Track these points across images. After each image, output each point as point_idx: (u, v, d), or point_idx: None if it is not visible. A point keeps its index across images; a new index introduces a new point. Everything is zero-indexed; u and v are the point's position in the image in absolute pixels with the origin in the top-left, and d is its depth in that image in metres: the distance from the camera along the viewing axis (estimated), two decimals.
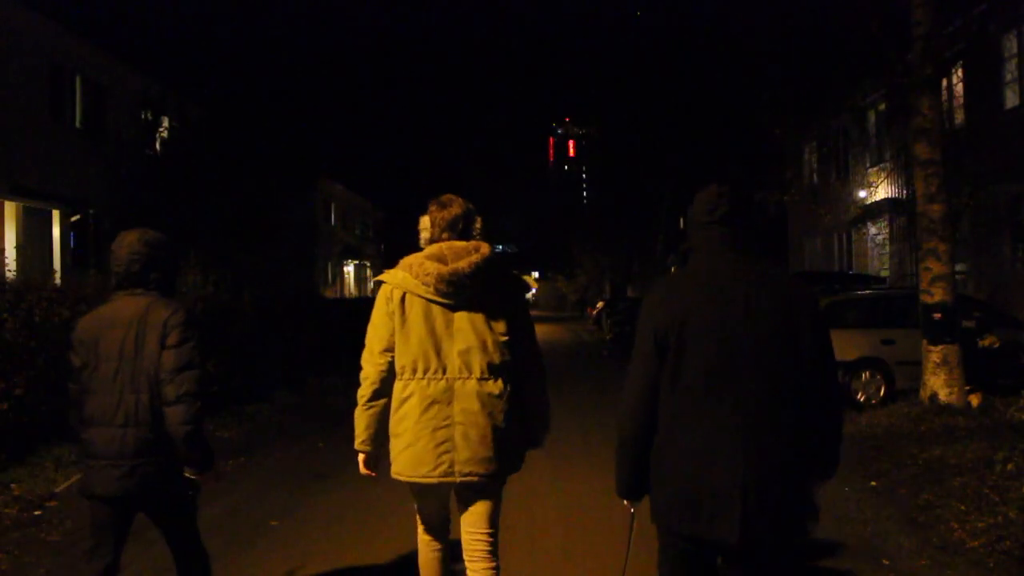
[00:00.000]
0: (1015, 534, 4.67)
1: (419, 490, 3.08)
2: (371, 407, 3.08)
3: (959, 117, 15.71)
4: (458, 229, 3.08)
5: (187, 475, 3.13)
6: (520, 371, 3.07)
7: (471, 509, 3.08)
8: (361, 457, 3.18)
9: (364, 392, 3.08)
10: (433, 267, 2.94)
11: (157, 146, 17.72)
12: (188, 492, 3.17)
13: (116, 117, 17.15)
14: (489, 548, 3.08)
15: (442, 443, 2.93)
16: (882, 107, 17.77)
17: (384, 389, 3.05)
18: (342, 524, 5.45)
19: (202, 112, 18.57)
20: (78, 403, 3.16)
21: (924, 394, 8.70)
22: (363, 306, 23.37)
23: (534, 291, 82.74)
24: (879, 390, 9.90)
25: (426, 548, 3.24)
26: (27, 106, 14.51)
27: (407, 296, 3.00)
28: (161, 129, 17.89)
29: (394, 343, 3.01)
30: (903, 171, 15.87)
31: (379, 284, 3.10)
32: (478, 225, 3.15)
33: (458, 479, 2.95)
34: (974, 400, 8.41)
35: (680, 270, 2.60)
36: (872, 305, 10.79)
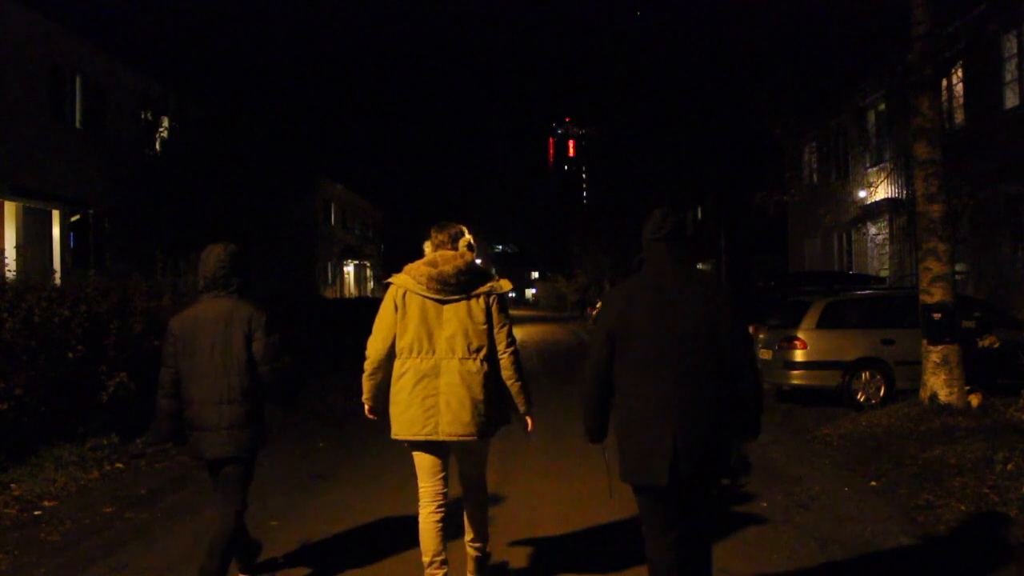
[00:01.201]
0: (1015, 534, 4.67)
1: (413, 446, 3.85)
2: (372, 378, 3.90)
3: (959, 117, 15.70)
4: (450, 243, 3.93)
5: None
6: (494, 353, 3.84)
7: (463, 461, 3.98)
8: (367, 407, 4.00)
9: (367, 367, 3.89)
10: (426, 270, 3.80)
11: (157, 146, 17.68)
12: (257, 455, 4.04)
13: (116, 117, 17.13)
14: (478, 486, 4.00)
15: (429, 409, 3.72)
16: (882, 107, 17.78)
17: (382, 366, 3.86)
18: (342, 524, 5.44)
19: (202, 112, 18.54)
20: (172, 385, 3.93)
21: (924, 394, 8.70)
22: (363, 306, 23.30)
23: (534, 292, 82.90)
24: (879, 390, 9.89)
25: (426, 520, 3.87)
26: (27, 106, 14.49)
27: (407, 293, 3.82)
28: (161, 129, 17.85)
29: (395, 331, 3.81)
30: (903, 171, 15.87)
31: (387, 285, 3.91)
32: (464, 239, 3.97)
33: (441, 437, 3.74)
34: (974, 400, 8.40)
35: (632, 276, 3.33)
36: (872, 305, 10.78)
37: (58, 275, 12.99)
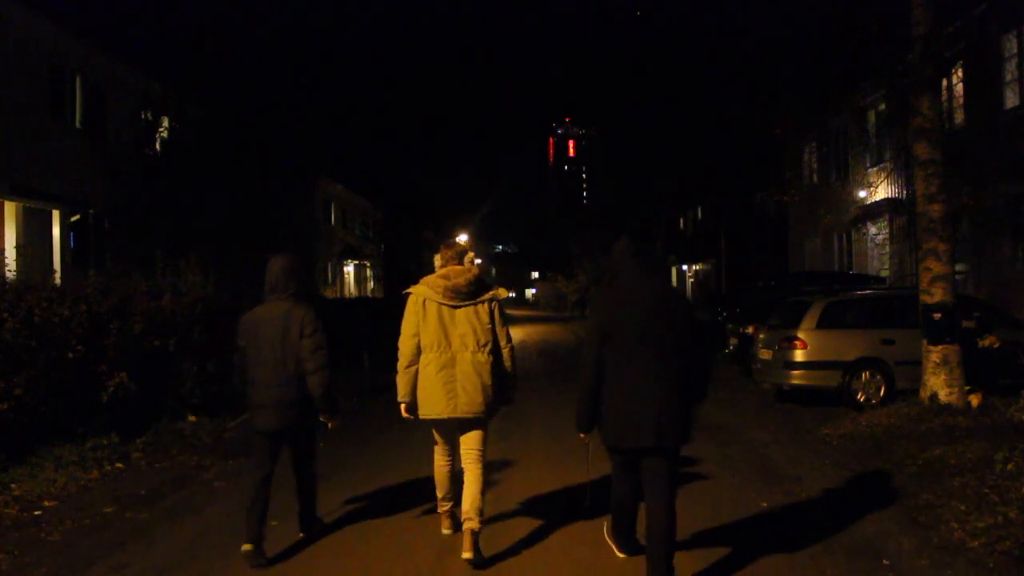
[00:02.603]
0: (1015, 534, 4.67)
1: (435, 423, 4.80)
2: (407, 372, 4.72)
3: (959, 117, 15.70)
4: (456, 259, 4.84)
5: (321, 419, 4.91)
6: (498, 347, 4.76)
7: (469, 435, 4.75)
8: (403, 405, 4.78)
9: (402, 363, 4.73)
10: (442, 282, 4.71)
11: (157, 146, 17.66)
12: (317, 429, 5.00)
13: (116, 117, 17.11)
14: (479, 457, 4.73)
15: (449, 392, 4.60)
16: (882, 107, 17.77)
17: (414, 360, 4.70)
18: (342, 524, 5.45)
19: (202, 112, 18.51)
20: (242, 370, 4.85)
21: (924, 394, 8.70)
22: (363, 306, 23.17)
23: (534, 292, 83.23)
24: (879, 390, 9.89)
25: (439, 462, 4.95)
26: (27, 106, 14.47)
27: (426, 300, 4.71)
28: (161, 129, 17.83)
29: (419, 331, 4.68)
30: (903, 171, 15.87)
31: (406, 295, 4.80)
32: (468, 256, 4.89)
33: (459, 415, 4.63)
34: (974, 400, 8.39)
35: (610, 286, 4.26)
36: (872, 305, 10.78)
37: (58, 275, 12.99)
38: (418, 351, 4.70)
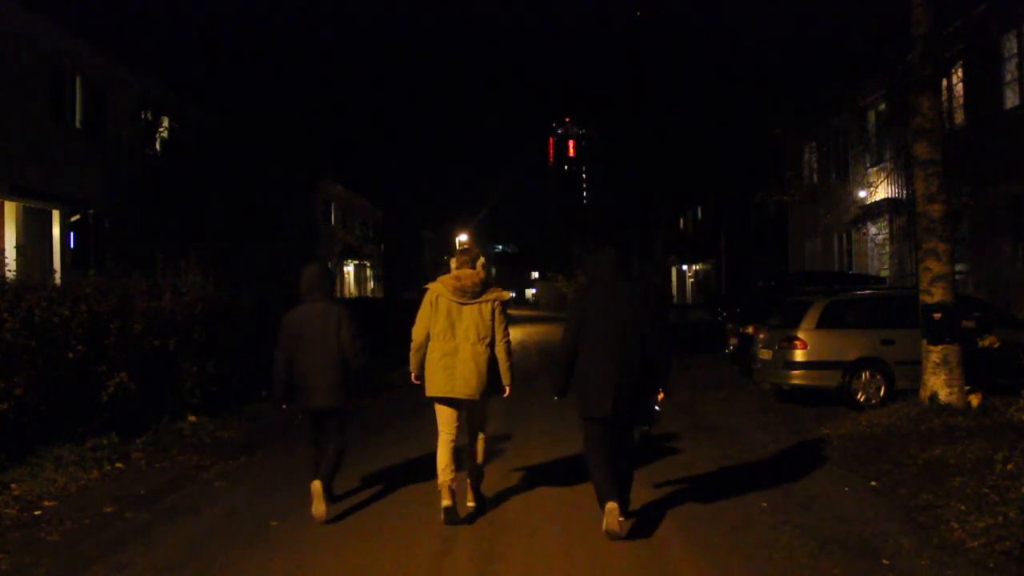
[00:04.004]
0: (1015, 534, 4.67)
1: (438, 400, 5.51)
2: (417, 354, 5.57)
3: (959, 117, 15.70)
4: (470, 263, 5.59)
5: (350, 403, 5.73)
6: (495, 340, 5.51)
7: (471, 413, 5.64)
8: (413, 374, 5.68)
9: (413, 347, 5.58)
10: (452, 282, 5.49)
11: (157, 146, 17.64)
12: (352, 407, 5.82)
13: (116, 117, 17.09)
14: (479, 427, 5.70)
15: (449, 376, 5.39)
16: (882, 107, 17.77)
17: (423, 346, 5.53)
18: (343, 524, 5.45)
19: (202, 113, 18.49)
20: (285, 363, 5.60)
21: (924, 394, 8.69)
22: (363, 306, 23.19)
23: (534, 292, 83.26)
24: (879, 390, 9.88)
25: (442, 441, 5.45)
26: (27, 106, 14.46)
27: (439, 296, 5.50)
28: (161, 129, 17.80)
29: (429, 321, 5.49)
30: (903, 171, 15.87)
31: (424, 290, 5.61)
32: (480, 261, 5.67)
33: (456, 395, 5.41)
34: (974, 400, 8.38)
35: (588, 287, 5.06)
36: (872, 305, 10.77)
37: (58, 275, 12.98)
38: (427, 338, 5.49)
